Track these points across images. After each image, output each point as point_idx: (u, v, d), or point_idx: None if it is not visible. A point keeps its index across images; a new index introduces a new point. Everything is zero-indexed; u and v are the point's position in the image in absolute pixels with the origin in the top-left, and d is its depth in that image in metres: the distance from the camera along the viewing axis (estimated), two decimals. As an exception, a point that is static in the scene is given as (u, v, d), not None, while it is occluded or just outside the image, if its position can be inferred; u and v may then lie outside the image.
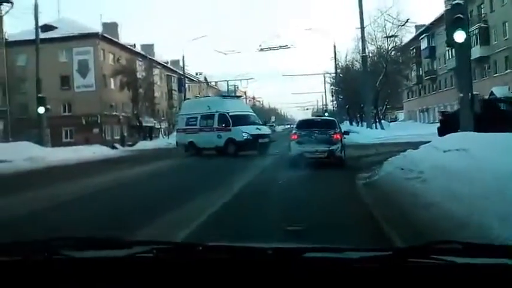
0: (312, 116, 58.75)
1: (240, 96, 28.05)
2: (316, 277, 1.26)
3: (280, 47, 39.30)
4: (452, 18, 11.75)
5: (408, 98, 64.26)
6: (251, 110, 24.26)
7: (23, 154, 18.87)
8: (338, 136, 13.35)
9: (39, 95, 26.53)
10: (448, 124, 15.20)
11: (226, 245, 1.50)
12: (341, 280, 1.25)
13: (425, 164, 8.09)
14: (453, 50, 46.74)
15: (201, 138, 20.67)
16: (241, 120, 19.93)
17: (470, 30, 20.72)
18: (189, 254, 1.45)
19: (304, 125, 14.55)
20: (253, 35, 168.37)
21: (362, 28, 31.54)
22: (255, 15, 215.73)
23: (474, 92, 12.74)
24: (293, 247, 1.49)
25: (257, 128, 19.86)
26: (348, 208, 6.79)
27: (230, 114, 19.99)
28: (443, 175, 6.29)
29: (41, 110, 26.21)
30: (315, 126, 14.03)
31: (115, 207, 7.34)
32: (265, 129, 20.78)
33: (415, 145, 11.24)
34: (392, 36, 35.43)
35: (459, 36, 11.47)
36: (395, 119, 64.33)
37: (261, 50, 39.38)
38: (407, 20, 32.81)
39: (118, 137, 44.31)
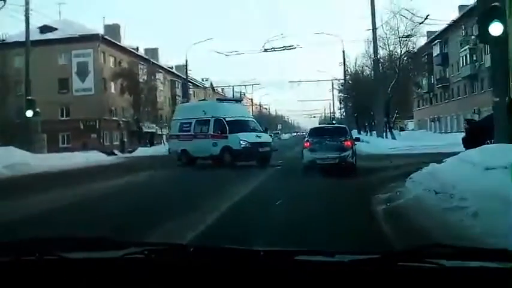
0: (319, 123, 57.31)
1: (241, 100, 26.08)
2: (308, 280, 1.24)
3: (285, 47, 37.28)
4: (486, 8, 9.80)
5: (419, 106, 62.16)
6: (251, 115, 22.46)
7: (5, 161, 17.44)
8: (349, 143, 13.79)
9: (28, 98, 25.49)
10: (476, 134, 13.29)
11: (218, 247, 1.49)
12: (332, 283, 1.24)
13: (463, 185, 6.21)
14: (467, 56, 44.95)
15: (195, 145, 18.76)
16: (239, 126, 18.01)
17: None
18: (180, 255, 1.45)
19: (316, 132, 15.01)
20: (261, 40, 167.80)
21: (374, 29, 29.37)
22: (264, 21, 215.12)
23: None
24: (285, 250, 1.44)
25: (257, 136, 17.91)
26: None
27: (227, 119, 18.08)
28: (503, 207, 4.34)
29: (29, 113, 25.20)
30: (327, 133, 14.56)
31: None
32: (266, 137, 18.79)
33: (435, 157, 10.26)
34: (408, 36, 32.90)
35: (496, 29, 9.41)
36: (404, 128, 62.21)
37: (265, 50, 37.34)
38: (427, 16, 29.49)
39: (117, 143, 42.92)
